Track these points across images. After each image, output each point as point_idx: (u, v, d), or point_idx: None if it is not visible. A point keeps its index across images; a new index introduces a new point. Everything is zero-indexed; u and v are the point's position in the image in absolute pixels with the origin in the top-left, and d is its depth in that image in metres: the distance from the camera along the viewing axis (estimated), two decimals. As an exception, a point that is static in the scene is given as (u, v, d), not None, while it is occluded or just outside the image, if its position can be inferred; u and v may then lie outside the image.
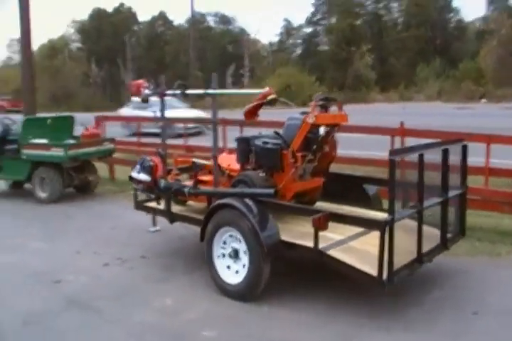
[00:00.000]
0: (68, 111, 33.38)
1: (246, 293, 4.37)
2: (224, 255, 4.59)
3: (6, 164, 9.04)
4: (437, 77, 45.33)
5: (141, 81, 5.30)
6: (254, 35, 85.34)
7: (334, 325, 3.91)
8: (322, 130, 4.85)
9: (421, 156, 3.99)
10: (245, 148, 5.03)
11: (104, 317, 4.21)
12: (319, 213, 4.00)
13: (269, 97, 4.59)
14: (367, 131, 7.93)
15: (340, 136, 5.12)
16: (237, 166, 5.18)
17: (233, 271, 4.52)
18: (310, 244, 4.06)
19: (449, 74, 45.22)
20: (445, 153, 4.33)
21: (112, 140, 9.41)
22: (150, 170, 5.23)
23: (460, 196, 4.77)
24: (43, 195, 8.66)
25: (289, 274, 4.96)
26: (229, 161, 5.36)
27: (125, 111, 20.14)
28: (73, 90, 47.50)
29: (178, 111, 16.42)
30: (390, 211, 3.67)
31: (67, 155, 8.36)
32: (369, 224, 3.93)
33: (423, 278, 4.68)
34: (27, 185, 9.29)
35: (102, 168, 9.79)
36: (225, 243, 4.59)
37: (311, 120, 4.58)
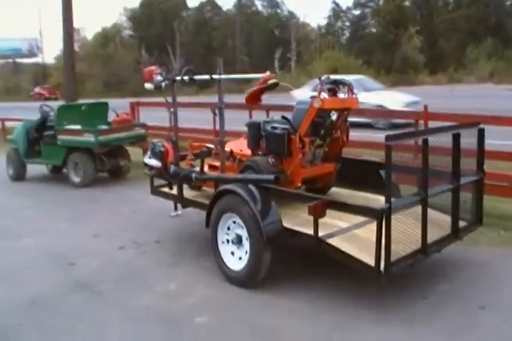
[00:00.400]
0: (120, 98, 34.32)
1: (247, 280, 4.27)
2: (228, 241, 4.50)
3: (45, 149, 9.26)
4: (489, 58, 43.32)
5: (153, 67, 5.20)
6: (302, 18, 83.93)
7: (330, 315, 3.75)
8: (334, 114, 4.67)
9: (425, 141, 3.73)
10: (256, 133, 4.89)
11: (104, 300, 4.22)
12: (315, 200, 3.83)
13: (270, 82, 4.43)
14: (388, 115, 7.61)
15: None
16: (248, 151, 5.05)
17: (237, 257, 4.43)
18: (310, 231, 3.90)
19: (502, 55, 43.12)
20: (456, 138, 4.05)
21: (143, 125, 9.44)
22: (161, 155, 5.17)
23: (476, 183, 4.46)
24: (76, 179, 8.81)
25: (294, 263, 4.83)
26: (242, 146, 5.23)
27: (303, 92, 14.34)
28: (125, 76, 48.26)
29: (376, 93, 15.05)
30: (387, 199, 3.45)
31: (98, 141, 8.45)
32: (366, 213, 3.72)
33: (432, 269, 4.45)
34: (64, 170, 9.49)
35: (138, 153, 9.85)
36: (228, 229, 4.50)
37: (317, 104, 4.39)
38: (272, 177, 4.26)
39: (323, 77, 4.58)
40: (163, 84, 5.10)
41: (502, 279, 4.34)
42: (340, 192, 5.24)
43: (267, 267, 4.20)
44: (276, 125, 4.72)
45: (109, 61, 48.95)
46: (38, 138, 9.33)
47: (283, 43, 50.36)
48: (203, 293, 4.25)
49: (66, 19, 13.20)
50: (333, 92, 4.63)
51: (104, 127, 9.21)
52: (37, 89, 49.64)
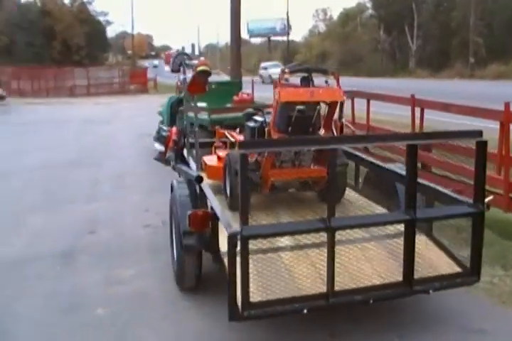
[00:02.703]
0: (354, 77, 33.98)
1: (177, 283, 3.91)
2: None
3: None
4: None
5: (173, 51, 5.02)
6: None
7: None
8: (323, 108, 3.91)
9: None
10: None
11: (71, 270, 4.40)
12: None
13: (198, 69, 3.86)
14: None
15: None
16: None
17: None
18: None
19: None
20: (411, 151, 2.95)
21: (265, 106, 9.21)
22: (164, 140, 5.00)
23: (473, 218, 3.18)
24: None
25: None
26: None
27: None
28: (361, 56, 47.75)
29: None
30: (243, 221, 2.71)
31: (210, 119, 8.54)
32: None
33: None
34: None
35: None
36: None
37: (276, 96, 3.69)
38: (195, 174, 3.75)
39: (289, 64, 3.85)
40: (180, 68, 4.89)
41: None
42: (353, 202, 4.40)
43: (194, 274, 3.75)
44: (256, 117, 4.16)
45: (346, 40, 48.89)
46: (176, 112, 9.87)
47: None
48: (149, 283, 4.06)
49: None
50: (306, 82, 3.84)
51: (228, 106, 9.26)
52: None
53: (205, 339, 3.26)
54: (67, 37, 46.71)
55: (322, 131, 4.12)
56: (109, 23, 63.29)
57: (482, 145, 2.96)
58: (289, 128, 3.90)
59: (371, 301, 2.93)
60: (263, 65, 42.32)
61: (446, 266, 3.23)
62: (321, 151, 4.05)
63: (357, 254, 3.23)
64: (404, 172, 3.82)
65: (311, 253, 3.24)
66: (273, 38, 66.92)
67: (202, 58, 4.29)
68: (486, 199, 3.09)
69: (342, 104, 4.14)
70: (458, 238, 4.89)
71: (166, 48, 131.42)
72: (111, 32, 70.46)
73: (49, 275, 4.30)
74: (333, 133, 4.14)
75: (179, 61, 4.79)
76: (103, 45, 57.13)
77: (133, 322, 3.47)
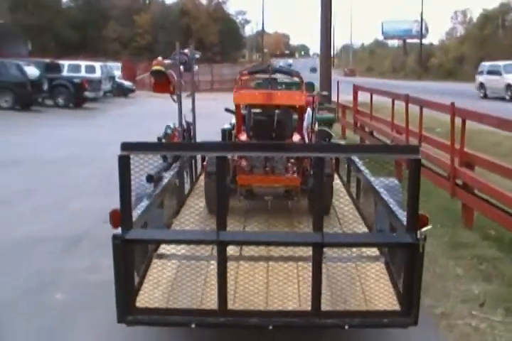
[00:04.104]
0: None
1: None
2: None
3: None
4: None
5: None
6: None
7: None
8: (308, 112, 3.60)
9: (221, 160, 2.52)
10: None
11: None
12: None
13: (152, 68, 3.68)
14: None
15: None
16: None
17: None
18: None
19: None
20: (319, 164, 2.53)
21: (332, 109, 8.80)
22: (168, 138, 4.90)
23: (405, 251, 2.61)
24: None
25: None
26: None
27: None
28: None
29: None
30: (124, 225, 2.51)
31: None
32: None
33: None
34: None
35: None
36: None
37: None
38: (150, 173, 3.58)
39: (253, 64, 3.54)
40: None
41: None
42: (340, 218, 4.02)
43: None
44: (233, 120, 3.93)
45: (484, 43, 45.23)
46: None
47: None
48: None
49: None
50: (272, 84, 3.53)
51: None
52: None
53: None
54: (202, 35, 49.06)
55: (297, 137, 3.78)
56: (247, 21, 65.40)
57: (415, 164, 2.46)
58: (251, 133, 3.65)
59: (270, 327, 2.59)
60: (488, 65, 23.51)
61: (386, 302, 2.75)
62: (297, 159, 3.72)
63: (282, 274, 2.90)
64: (381, 190, 3.41)
65: (244, 266, 2.98)
66: (409, 41, 64.22)
67: (159, 58, 4.14)
68: (423, 229, 2.56)
69: (313, 109, 3.79)
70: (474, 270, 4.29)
71: (303, 48, 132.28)
72: (249, 30, 72.67)
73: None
74: (303, 139, 3.78)
75: (183, 60, 4.70)
76: (236, 42, 59.08)
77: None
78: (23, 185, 6.84)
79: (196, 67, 5.06)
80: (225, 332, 2.98)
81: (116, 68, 27.20)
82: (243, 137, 3.71)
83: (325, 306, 2.63)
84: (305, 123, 4.03)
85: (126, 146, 2.47)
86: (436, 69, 51.70)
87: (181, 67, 4.89)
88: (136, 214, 2.92)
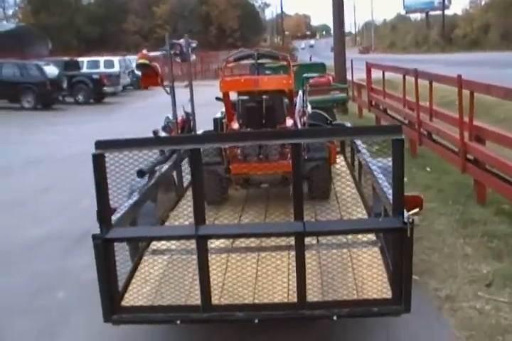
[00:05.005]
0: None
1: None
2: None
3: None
4: None
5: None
6: None
7: None
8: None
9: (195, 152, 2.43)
10: None
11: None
12: None
13: (137, 62, 3.57)
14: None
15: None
16: None
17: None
18: None
19: None
20: (295, 151, 2.41)
21: (344, 89, 8.58)
22: (169, 129, 4.83)
23: (392, 234, 2.47)
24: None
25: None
26: None
27: None
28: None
29: None
30: (103, 224, 2.45)
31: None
32: None
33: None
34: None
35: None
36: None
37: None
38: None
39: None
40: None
41: None
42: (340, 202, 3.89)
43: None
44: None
45: (510, 10, 43.45)
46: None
47: None
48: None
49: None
50: (259, 69, 3.42)
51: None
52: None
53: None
54: (222, 21, 48.71)
55: (290, 122, 3.65)
56: (266, 5, 64.52)
57: (398, 144, 2.31)
58: (241, 120, 3.54)
59: (256, 320, 2.51)
60: None
61: (377, 290, 2.63)
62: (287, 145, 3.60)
63: (266, 265, 2.82)
64: (376, 171, 3.26)
65: (235, 258, 2.90)
66: (431, 13, 62.21)
67: (144, 51, 4.03)
68: (411, 212, 2.43)
69: (304, 92, 3.65)
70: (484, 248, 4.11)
71: (325, 28, 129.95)
72: (269, 14, 71.83)
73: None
74: (296, 124, 3.64)
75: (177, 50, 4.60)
76: (256, 27, 58.46)
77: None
78: (41, 184, 6.90)
79: (193, 57, 4.93)
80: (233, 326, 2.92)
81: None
82: (235, 125, 3.61)
83: (312, 297, 2.55)
84: (297, 107, 3.90)
85: (101, 144, 2.41)
86: (461, 41, 50.14)
87: (178, 58, 4.79)
88: (121, 211, 2.89)
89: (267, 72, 3.62)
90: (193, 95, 4.83)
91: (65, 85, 17.38)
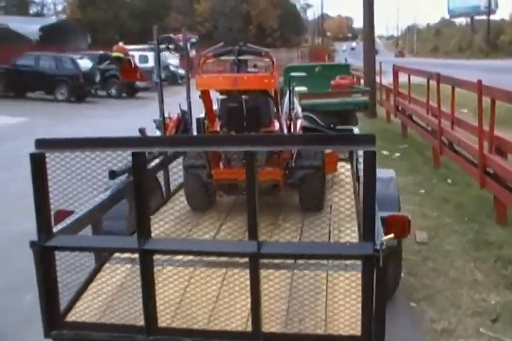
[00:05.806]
0: None
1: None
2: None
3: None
4: None
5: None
6: None
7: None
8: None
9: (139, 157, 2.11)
10: None
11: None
12: None
13: (112, 55, 3.28)
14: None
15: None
16: None
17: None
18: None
19: None
20: (250, 160, 2.06)
21: (366, 92, 8.12)
22: (163, 128, 4.55)
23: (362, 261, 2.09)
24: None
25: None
26: None
27: None
28: None
29: None
30: (41, 231, 2.17)
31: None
32: None
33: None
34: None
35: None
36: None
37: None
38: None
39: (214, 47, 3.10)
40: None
41: None
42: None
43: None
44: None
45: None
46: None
47: None
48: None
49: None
50: (240, 66, 3.09)
51: (328, 90, 8.38)
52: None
53: None
54: (262, 20, 48.41)
55: (276, 126, 3.29)
56: (308, 6, 63.88)
57: (369, 157, 1.93)
58: (221, 122, 3.21)
59: None
60: None
61: (349, 323, 2.25)
62: (275, 151, 3.25)
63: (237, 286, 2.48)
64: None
65: (202, 275, 2.59)
66: (477, 18, 60.28)
67: (120, 43, 3.76)
68: (385, 237, 2.04)
69: (290, 92, 3.29)
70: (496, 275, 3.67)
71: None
72: (311, 15, 71.43)
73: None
74: (281, 128, 3.28)
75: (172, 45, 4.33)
76: (297, 27, 57.94)
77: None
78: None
79: (193, 53, 4.64)
80: None
81: (175, 57, 27.35)
82: (215, 127, 3.28)
83: (270, 327, 2.19)
84: (284, 110, 3.54)
85: (41, 143, 2.12)
86: (507, 47, 48.48)
87: (173, 53, 4.54)
88: (75, 215, 2.62)
89: (250, 69, 3.25)
90: (190, 93, 4.53)
91: (97, 79, 17.44)
